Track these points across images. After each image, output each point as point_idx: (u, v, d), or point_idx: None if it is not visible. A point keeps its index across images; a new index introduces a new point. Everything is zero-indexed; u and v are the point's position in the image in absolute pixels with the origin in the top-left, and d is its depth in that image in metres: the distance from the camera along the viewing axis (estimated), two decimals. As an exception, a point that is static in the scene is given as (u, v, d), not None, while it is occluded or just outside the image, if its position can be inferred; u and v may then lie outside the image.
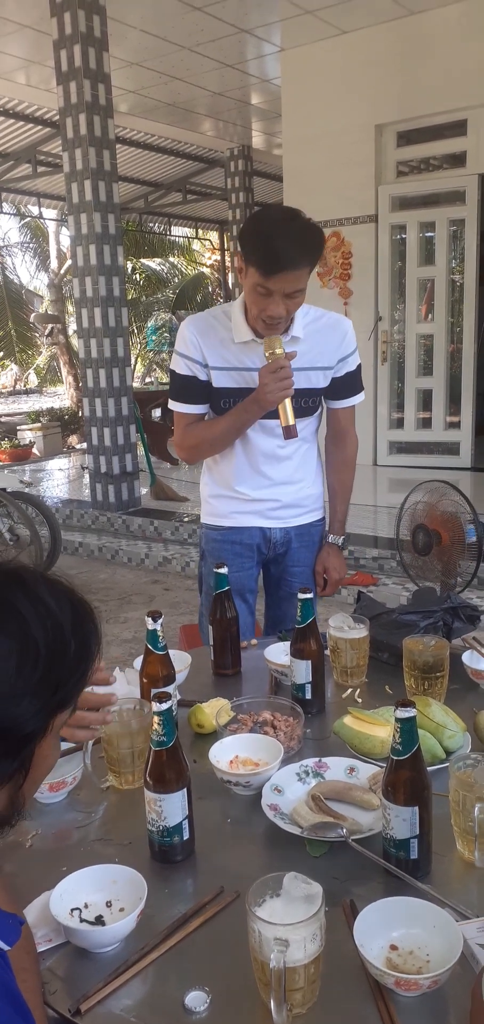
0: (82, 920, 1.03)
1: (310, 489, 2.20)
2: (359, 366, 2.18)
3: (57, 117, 6.32)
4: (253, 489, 2.13)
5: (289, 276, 1.84)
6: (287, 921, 0.89)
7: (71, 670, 0.83)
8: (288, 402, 1.91)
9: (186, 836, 1.18)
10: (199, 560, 2.30)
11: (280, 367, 1.88)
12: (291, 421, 1.92)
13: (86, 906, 1.05)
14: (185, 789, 1.17)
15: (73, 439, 12.29)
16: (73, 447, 11.87)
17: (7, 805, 0.83)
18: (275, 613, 2.30)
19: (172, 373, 2.12)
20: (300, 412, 2.03)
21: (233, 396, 2.03)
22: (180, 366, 2.07)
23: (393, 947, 0.96)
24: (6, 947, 0.77)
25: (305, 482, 2.18)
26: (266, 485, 2.12)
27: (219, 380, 2.04)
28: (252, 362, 2.01)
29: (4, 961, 0.76)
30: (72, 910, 1.04)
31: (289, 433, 1.94)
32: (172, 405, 2.12)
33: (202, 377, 2.05)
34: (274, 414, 1.96)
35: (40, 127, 9.37)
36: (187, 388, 2.07)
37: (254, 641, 2.00)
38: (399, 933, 0.97)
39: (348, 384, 2.16)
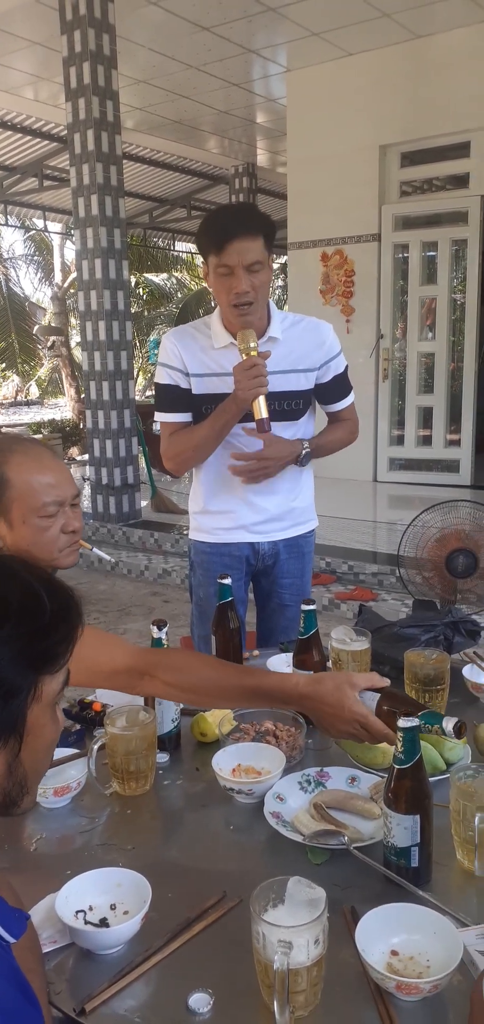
0: (87, 922, 1.04)
1: (296, 501, 2.20)
2: (347, 367, 2.20)
3: (64, 132, 6.41)
4: (237, 504, 2.14)
5: (242, 244, 1.89)
6: (291, 924, 0.90)
7: (50, 629, 0.85)
8: (262, 398, 1.94)
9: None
10: (189, 571, 2.33)
11: (253, 364, 1.92)
12: (264, 415, 1.94)
13: (91, 908, 1.07)
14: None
15: (74, 451, 12.32)
16: (74, 459, 11.90)
17: (6, 774, 0.85)
18: (266, 626, 2.31)
19: (156, 385, 2.16)
20: (282, 416, 2.06)
21: (214, 402, 2.05)
22: (162, 376, 2.12)
23: (394, 952, 0.98)
24: (12, 940, 0.79)
25: (291, 493, 2.17)
26: (250, 497, 2.13)
27: (199, 387, 2.08)
28: (232, 365, 2.02)
29: (10, 954, 0.78)
30: (77, 912, 1.05)
31: (261, 427, 1.95)
32: (157, 416, 2.16)
33: (183, 385, 2.09)
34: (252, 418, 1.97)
35: (47, 142, 9.46)
36: (170, 397, 2.11)
37: (256, 652, 2.02)
38: (400, 939, 0.99)
39: (340, 386, 2.19)
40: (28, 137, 9.34)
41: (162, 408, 2.14)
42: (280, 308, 2.13)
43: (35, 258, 17.32)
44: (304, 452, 2.10)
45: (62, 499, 1.45)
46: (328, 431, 2.25)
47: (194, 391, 2.08)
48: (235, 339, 2.00)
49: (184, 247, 16.58)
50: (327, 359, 2.13)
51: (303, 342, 2.10)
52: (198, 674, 1.37)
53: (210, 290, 2.02)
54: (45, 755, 0.91)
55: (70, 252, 14.52)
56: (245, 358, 1.94)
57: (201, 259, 2.04)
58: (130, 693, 1.42)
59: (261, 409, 1.94)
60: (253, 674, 1.39)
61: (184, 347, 2.08)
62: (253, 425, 1.96)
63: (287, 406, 2.09)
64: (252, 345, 1.94)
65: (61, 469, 1.48)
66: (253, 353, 1.94)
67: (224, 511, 2.16)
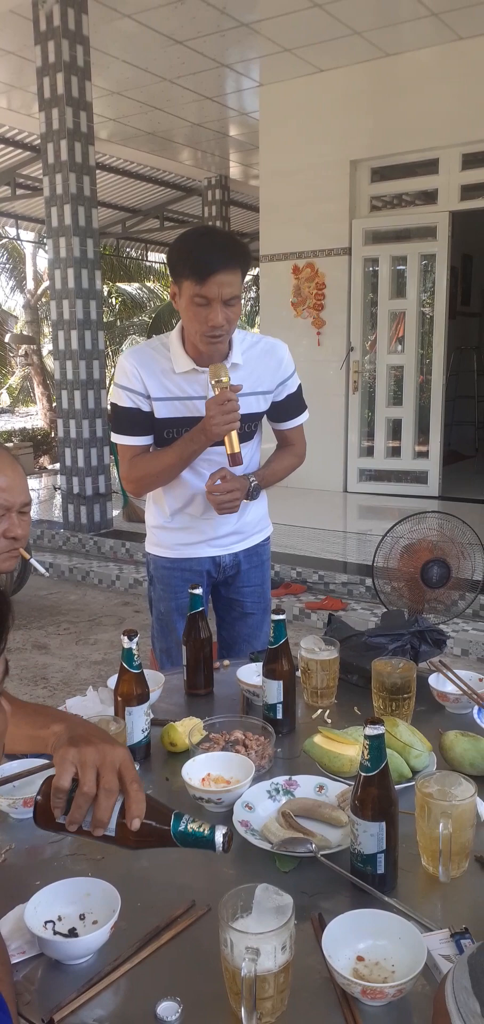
0: (56, 932, 1.04)
1: (253, 514, 2.22)
2: (300, 386, 2.21)
3: (38, 142, 6.38)
4: (197, 519, 2.14)
5: (224, 278, 1.87)
6: (258, 931, 0.92)
7: None
8: (234, 432, 1.93)
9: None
10: (147, 584, 2.32)
11: (227, 399, 1.91)
12: (236, 449, 1.94)
13: (60, 919, 1.07)
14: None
15: (45, 459, 12.21)
16: (45, 468, 11.80)
17: None
18: (228, 634, 2.32)
19: (114, 406, 2.10)
20: (243, 437, 2.04)
21: (176, 426, 2.04)
22: (122, 399, 2.05)
23: (360, 958, 0.99)
24: None
25: (249, 507, 2.19)
26: (209, 516, 2.12)
27: (161, 411, 2.04)
28: (194, 391, 2.03)
29: None
30: (46, 922, 1.05)
31: (234, 461, 1.95)
32: (115, 438, 2.11)
33: (145, 408, 2.04)
34: (218, 442, 1.97)
35: (20, 151, 9.42)
36: (131, 420, 2.06)
37: (226, 662, 2.03)
38: (366, 944, 1.00)
39: (292, 405, 2.21)
40: (1, 145, 9.29)
41: (122, 431, 2.08)
42: (252, 320, 2.13)
43: (7, 266, 17.18)
44: (252, 486, 2.09)
45: (9, 504, 1.47)
46: (275, 459, 2.25)
47: (157, 415, 2.04)
48: (196, 365, 2.01)
49: (157, 257, 16.57)
50: (283, 379, 2.15)
51: (261, 364, 2.10)
52: None
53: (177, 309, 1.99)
54: None
55: (43, 261, 14.43)
56: (218, 392, 1.92)
57: (171, 277, 2.01)
58: None
59: (233, 444, 1.93)
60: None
61: (145, 369, 2.03)
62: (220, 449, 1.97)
63: (247, 428, 2.09)
64: (225, 380, 1.92)
65: (16, 475, 1.50)
66: (225, 385, 1.92)
67: (185, 526, 2.16)
